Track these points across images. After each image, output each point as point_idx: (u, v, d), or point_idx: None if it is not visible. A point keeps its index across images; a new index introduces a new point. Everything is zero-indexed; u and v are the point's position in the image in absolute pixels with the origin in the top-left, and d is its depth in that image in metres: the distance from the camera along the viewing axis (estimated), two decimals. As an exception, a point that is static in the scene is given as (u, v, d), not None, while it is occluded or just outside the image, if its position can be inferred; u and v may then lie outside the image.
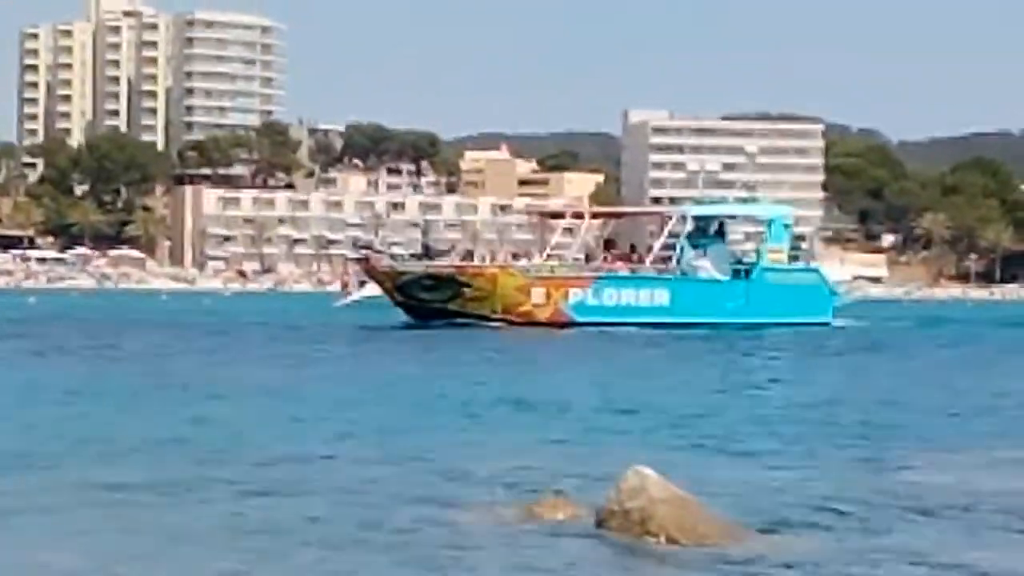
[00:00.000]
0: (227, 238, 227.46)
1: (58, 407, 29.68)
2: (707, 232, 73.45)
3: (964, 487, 17.13)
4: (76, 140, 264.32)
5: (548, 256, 74.81)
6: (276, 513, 14.42)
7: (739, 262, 74.50)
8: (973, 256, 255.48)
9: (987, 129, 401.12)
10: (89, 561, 11.31)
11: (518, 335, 61.49)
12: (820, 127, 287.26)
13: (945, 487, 17.14)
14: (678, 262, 72.35)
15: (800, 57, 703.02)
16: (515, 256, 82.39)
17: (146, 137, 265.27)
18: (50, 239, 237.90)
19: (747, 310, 69.04)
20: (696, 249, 71.78)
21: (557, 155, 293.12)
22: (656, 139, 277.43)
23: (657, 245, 77.58)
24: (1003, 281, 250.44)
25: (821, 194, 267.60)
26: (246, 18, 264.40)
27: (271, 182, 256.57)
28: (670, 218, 79.88)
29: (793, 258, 75.56)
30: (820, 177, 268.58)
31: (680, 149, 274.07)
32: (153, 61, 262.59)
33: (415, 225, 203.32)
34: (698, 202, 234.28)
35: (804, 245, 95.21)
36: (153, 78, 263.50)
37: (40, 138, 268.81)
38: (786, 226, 75.56)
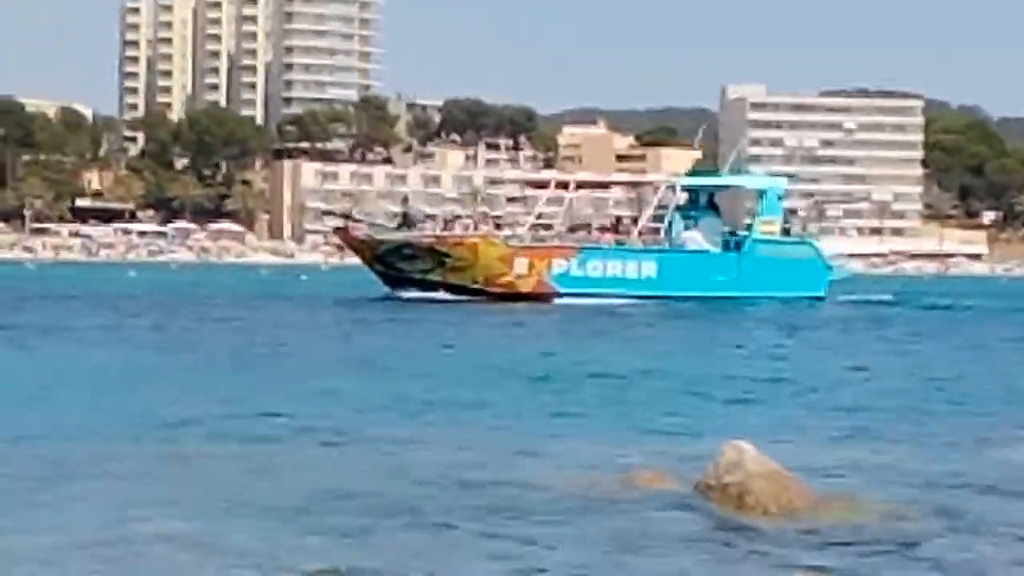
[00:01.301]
0: (325, 212, 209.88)
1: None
2: (698, 204, 72.88)
3: None
4: (176, 114, 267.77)
5: (533, 226, 74.88)
6: (378, 483, 14.35)
7: (731, 234, 73.32)
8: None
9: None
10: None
11: (509, 308, 60.60)
12: (920, 103, 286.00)
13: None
14: (667, 234, 71.24)
15: (900, 32, 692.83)
16: (498, 226, 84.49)
17: (245, 111, 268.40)
18: (150, 212, 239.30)
19: (738, 283, 68.15)
20: (687, 221, 71.05)
21: (654, 131, 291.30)
22: (754, 115, 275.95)
23: (645, 216, 74.43)
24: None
25: (920, 171, 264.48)
26: None
27: (369, 156, 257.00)
28: (659, 189, 78.30)
29: (786, 231, 74.13)
30: (919, 154, 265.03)
31: (778, 125, 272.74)
32: (252, 36, 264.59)
33: (513, 199, 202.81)
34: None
35: (801, 215, 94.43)
36: (252, 52, 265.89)
37: (141, 112, 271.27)
38: (779, 198, 74.67)
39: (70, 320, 52.86)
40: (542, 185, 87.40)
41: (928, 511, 13.08)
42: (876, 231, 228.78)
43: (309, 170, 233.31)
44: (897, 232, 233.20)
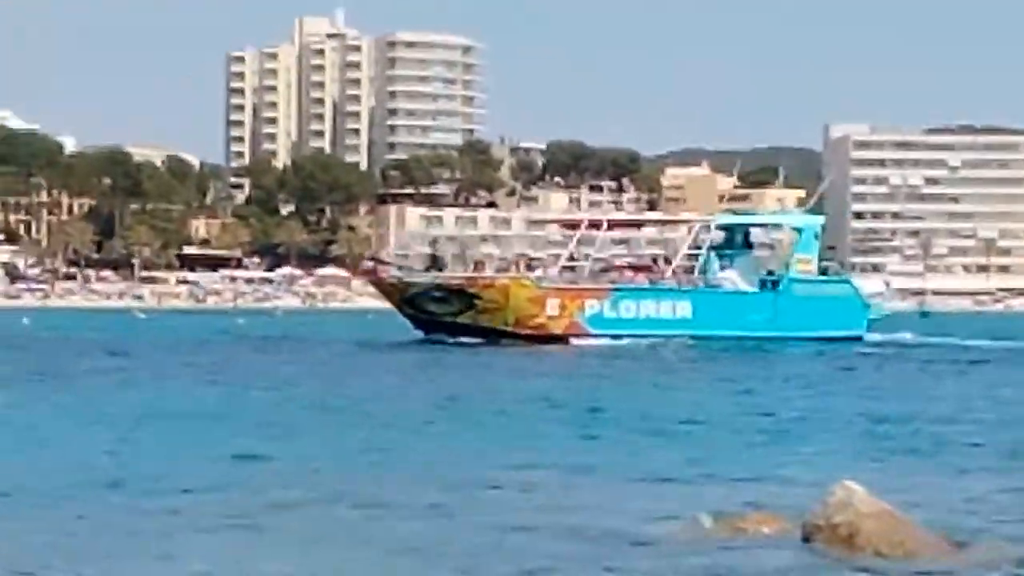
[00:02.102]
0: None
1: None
2: (733, 242, 72.18)
3: None
4: (282, 161, 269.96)
5: (564, 267, 74.48)
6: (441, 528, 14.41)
7: (768, 273, 71.81)
8: None
9: None
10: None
11: (559, 353, 60.20)
12: None
13: None
14: (703, 272, 71.10)
15: (1005, 69, 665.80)
16: (529, 267, 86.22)
17: (350, 157, 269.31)
18: (256, 259, 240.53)
19: (774, 323, 67.22)
20: (722, 260, 70.93)
21: (758, 171, 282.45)
22: (857, 153, 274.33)
23: (679, 256, 73.62)
24: None
25: None
26: (447, 38, 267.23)
27: (473, 200, 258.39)
28: (694, 228, 77.80)
29: (823, 270, 74.19)
30: None
31: (882, 163, 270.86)
32: (356, 82, 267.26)
33: (619, 243, 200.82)
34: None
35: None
36: (356, 99, 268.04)
37: (246, 160, 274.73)
38: (816, 236, 73.28)
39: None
40: (574, 226, 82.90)
41: None
42: (983, 268, 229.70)
43: (414, 214, 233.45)
44: (1004, 269, 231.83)
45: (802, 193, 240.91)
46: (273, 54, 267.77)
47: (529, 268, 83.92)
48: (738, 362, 53.64)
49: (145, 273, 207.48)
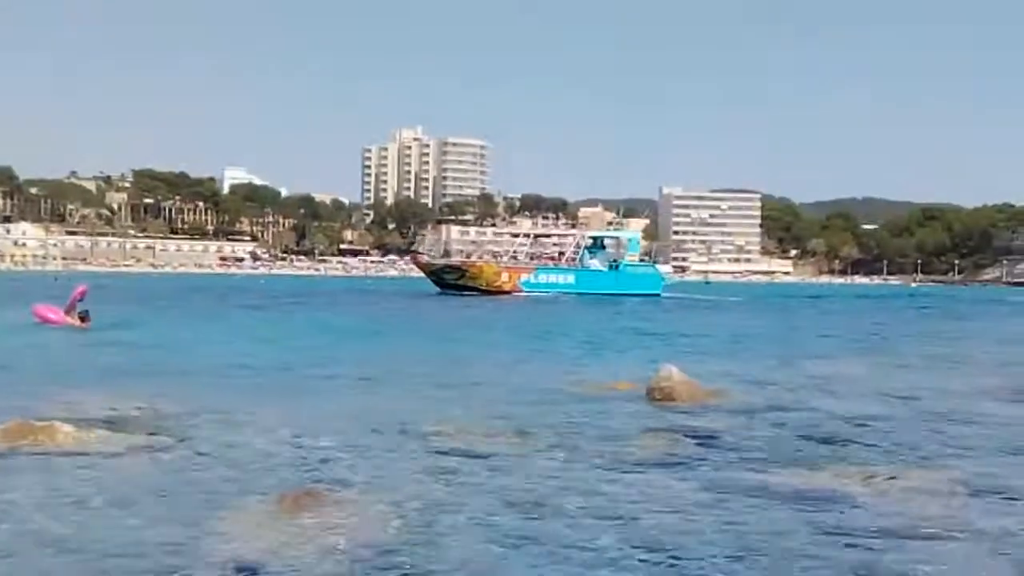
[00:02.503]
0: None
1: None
2: (595, 245, 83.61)
3: (836, 373, 20.69)
4: (389, 201, 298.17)
5: (511, 257, 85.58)
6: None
7: (613, 261, 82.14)
8: None
9: None
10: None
11: (504, 299, 67.95)
12: (759, 195, 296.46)
13: (828, 375, 20.64)
14: (580, 260, 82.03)
15: (766, 150, 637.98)
16: (494, 256, 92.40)
17: (423, 200, 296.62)
18: (377, 251, 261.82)
19: (615, 286, 77.52)
20: (590, 254, 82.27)
21: (627, 210, 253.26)
22: (676, 201, 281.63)
23: (569, 252, 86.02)
24: None
25: (759, 231, 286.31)
26: (471, 140, 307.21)
27: (484, 224, 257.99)
28: (579, 238, 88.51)
29: (642, 260, 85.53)
30: (758, 224, 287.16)
31: (686, 206, 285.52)
32: (427, 162, 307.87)
33: (539, 245, 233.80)
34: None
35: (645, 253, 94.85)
36: (427, 170, 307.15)
37: (372, 200, 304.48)
38: (636, 243, 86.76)
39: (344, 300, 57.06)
40: (516, 235, 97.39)
41: (760, 397, 16.47)
42: (735, 260, 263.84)
43: (454, 230, 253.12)
44: (747, 260, 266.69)
45: (647, 222, 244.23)
46: (385, 147, 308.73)
47: (494, 257, 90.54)
48: (597, 305, 59.20)
49: (320, 257, 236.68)
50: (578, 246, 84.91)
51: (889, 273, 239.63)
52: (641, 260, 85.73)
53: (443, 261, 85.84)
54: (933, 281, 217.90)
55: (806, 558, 7.26)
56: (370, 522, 7.90)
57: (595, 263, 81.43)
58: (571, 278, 79.09)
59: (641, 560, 7.21)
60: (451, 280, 77.55)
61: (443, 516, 8.28)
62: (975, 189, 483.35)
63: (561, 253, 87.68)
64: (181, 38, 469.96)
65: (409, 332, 35.80)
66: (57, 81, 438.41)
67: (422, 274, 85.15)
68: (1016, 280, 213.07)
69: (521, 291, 75.79)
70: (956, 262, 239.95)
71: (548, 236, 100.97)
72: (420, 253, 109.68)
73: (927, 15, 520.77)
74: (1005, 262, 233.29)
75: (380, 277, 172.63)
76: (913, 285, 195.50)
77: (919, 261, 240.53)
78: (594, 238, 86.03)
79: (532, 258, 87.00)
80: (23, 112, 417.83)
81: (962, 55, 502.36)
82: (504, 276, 77.54)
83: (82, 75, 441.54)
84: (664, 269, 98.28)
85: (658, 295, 78.20)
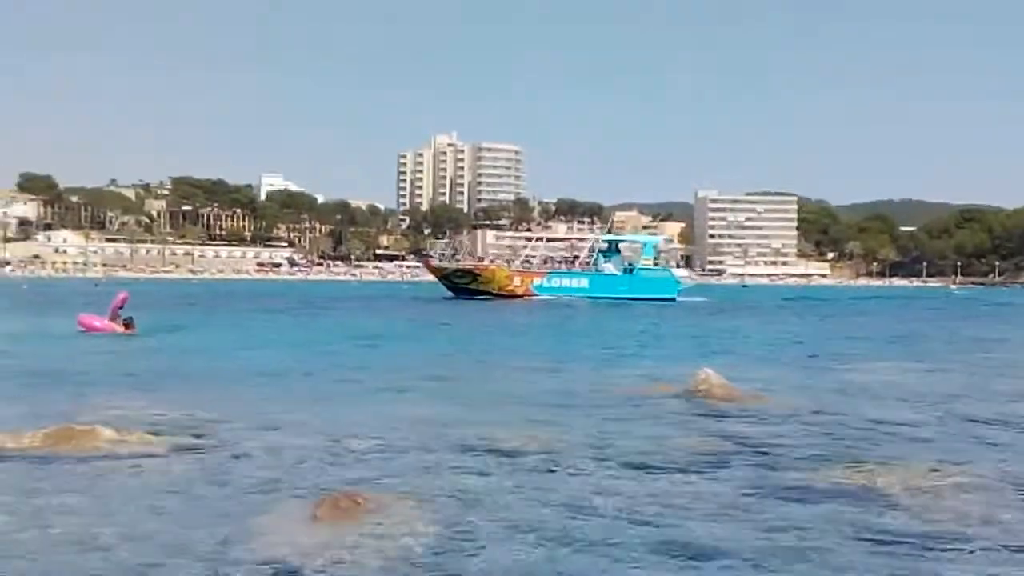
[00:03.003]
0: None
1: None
2: (610, 250, 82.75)
3: (879, 381, 20.56)
4: (424, 206, 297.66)
5: (523, 262, 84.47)
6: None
7: (628, 267, 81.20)
8: None
9: None
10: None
11: (516, 303, 66.76)
12: (795, 198, 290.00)
13: (870, 381, 20.48)
14: (594, 264, 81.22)
15: (801, 153, 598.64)
16: (507, 261, 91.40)
17: (459, 204, 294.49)
18: (412, 256, 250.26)
19: (629, 291, 76.71)
20: (604, 258, 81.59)
21: (664, 214, 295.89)
22: (711, 204, 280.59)
23: (583, 255, 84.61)
24: None
25: (795, 233, 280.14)
26: (506, 145, 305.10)
27: (519, 228, 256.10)
28: (592, 241, 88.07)
29: (656, 264, 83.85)
30: (794, 226, 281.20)
31: (723, 210, 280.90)
32: (462, 168, 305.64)
33: (556, 248, 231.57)
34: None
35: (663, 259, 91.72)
36: (462, 176, 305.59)
37: (408, 206, 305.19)
38: (653, 247, 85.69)
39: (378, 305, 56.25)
40: (530, 239, 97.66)
41: (802, 402, 16.42)
42: (772, 263, 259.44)
43: (490, 234, 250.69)
44: (784, 264, 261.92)
45: (683, 225, 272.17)
46: (420, 153, 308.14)
47: (507, 262, 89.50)
48: (610, 309, 58.39)
49: (356, 263, 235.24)
50: (592, 250, 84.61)
51: (928, 275, 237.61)
52: (655, 263, 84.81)
53: (454, 265, 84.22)
54: (973, 283, 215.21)
55: (842, 557, 7.32)
56: (406, 524, 7.95)
57: (609, 267, 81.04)
58: (584, 282, 78.76)
59: (676, 557, 7.34)
60: (463, 284, 77.24)
61: (479, 518, 8.31)
62: (1015, 189, 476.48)
63: (576, 257, 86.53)
64: (218, 47, 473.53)
65: (443, 337, 35.97)
66: (96, 90, 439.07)
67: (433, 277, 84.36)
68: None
69: (534, 295, 75.55)
70: (996, 264, 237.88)
71: (561, 239, 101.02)
72: (431, 256, 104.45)
73: (966, 13, 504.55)
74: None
75: (416, 282, 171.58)
76: (952, 287, 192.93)
77: (958, 263, 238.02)
78: (609, 242, 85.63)
79: (545, 262, 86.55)
80: (63, 120, 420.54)
81: (999, 53, 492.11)
82: (516, 280, 77.37)
83: (121, 84, 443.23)
84: (681, 273, 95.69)
85: (673, 299, 77.16)
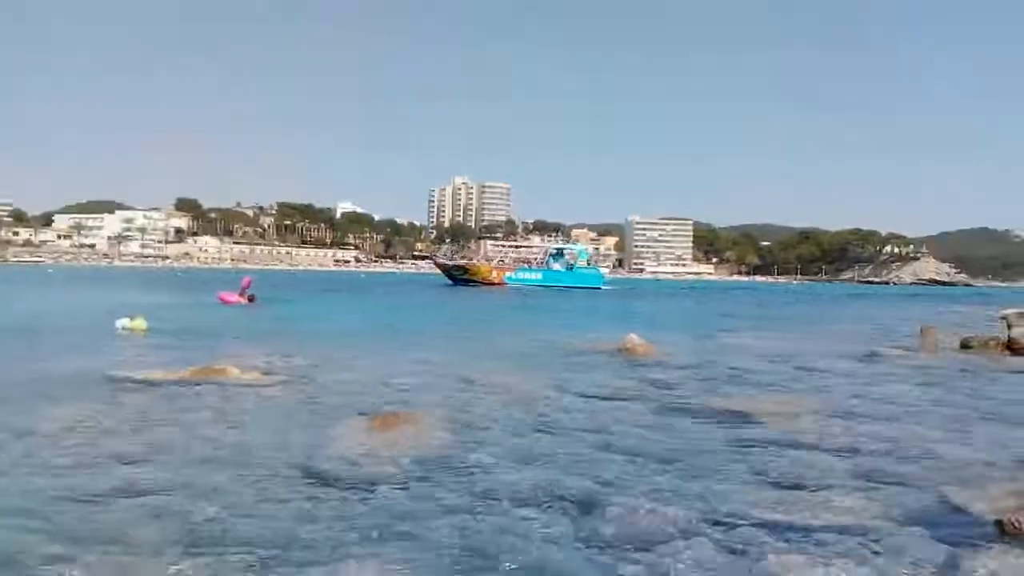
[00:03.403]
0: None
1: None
2: (558, 254, 79.81)
3: (744, 344, 19.88)
4: (447, 222, 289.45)
5: (499, 261, 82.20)
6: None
7: (569, 265, 78.08)
8: None
9: None
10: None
11: (494, 289, 63.44)
12: (691, 222, 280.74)
13: (737, 343, 19.93)
14: (546, 264, 77.79)
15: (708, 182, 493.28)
16: (488, 259, 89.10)
17: (469, 224, 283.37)
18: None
19: (570, 281, 73.73)
20: (553, 259, 78.30)
21: (604, 231, 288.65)
22: (636, 227, 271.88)
23: (539, 257, 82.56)
24: None
25: (691, 245, 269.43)
26: (500, 183, 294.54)
27: (509, 239, 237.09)
28: (546, 249, 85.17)
29: (589, 264, 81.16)
30: (690, 240, 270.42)
31: (644, 231, 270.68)
32: (471, 197, 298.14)
33: (519, 252, 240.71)
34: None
35: (593, 261, 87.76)
36: (471, 203, 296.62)
37: (435, 222, 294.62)
38: (585, 254, 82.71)
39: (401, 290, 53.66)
40: (505, 247, 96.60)
41: (693, 358, 15.82)
42: (676, 265, 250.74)
43: (489, 244, 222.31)
44: (683, 265, 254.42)
45: (617, 239, 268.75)
46: (444, 188, 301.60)
47: (487, 260, 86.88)
48: (557, 294, 55.68)
49: (400, 260, 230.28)
50: (546, 253, 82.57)
51: (779, 274, 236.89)
52: (587, 264, 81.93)
53: (452, 262, 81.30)
54: (808, 280, 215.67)
55: (720, 456, 7.38)
56: (432, 432, 7.97)
57: (557, 266, 78.08)
58: (539, 275, 75.71)
59: (609, 455, 7.37)
60: (459, 275, 74.45)
61: (479, 428, 8.39)
62: (837, 217, 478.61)
63: (536, 260, 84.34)
64: (318, 104, 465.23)
65: (449, 310, 35.21)
66: (228, 131, 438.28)
67: (438, 271, 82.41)
68: (864, 280, 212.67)
69: (505, 284, 72.68)
70: (823, 267, 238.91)
71: (525, 247, 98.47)
72: (437, 257, 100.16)
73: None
74: (856, 267, 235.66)
75: (437, 274, 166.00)
76: (794, 283, 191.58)
77: (799, 266, 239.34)
78: (557, 249, 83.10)
79: (515, 261, 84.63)
80: (206, 157, 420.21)
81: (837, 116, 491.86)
82: (494, 274, 74.32)
83: (245, 129, 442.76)
84: (603, 270, 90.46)
85: (599, 288, 74.79)
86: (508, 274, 73.69)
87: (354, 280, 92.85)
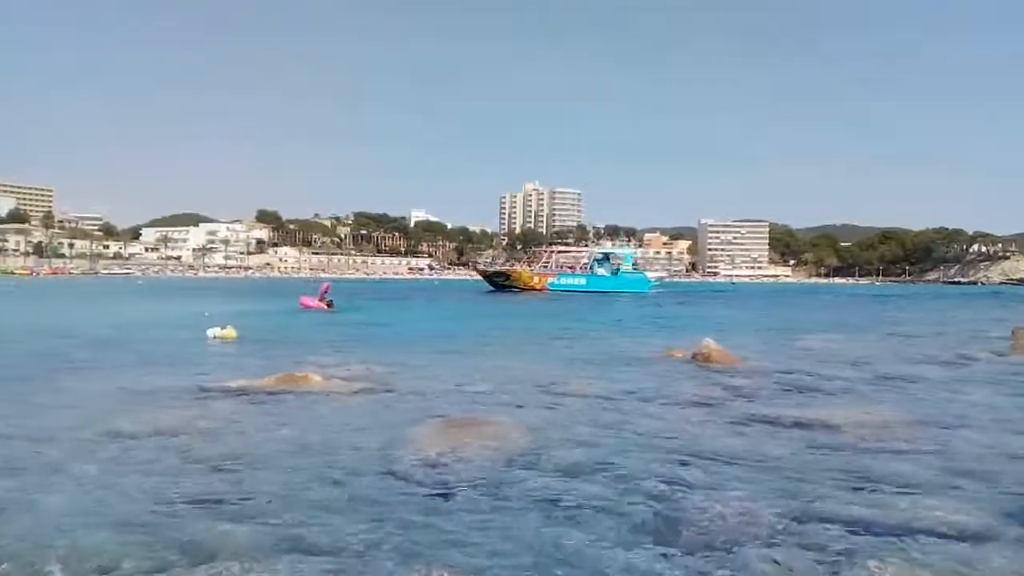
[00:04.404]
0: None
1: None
2: (604, 259, 78.31)
3: (825, 348, 19.05)
4: (519, 229, 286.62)
5: (541, 266, 79.17)
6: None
7: (616, 269, 76.68)
8: None
9: None
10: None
11: (536, 295, 62.16)
12: (767, 223, 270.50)
13: (815, 348, 19.10)
14: (591, 268, 76.33)
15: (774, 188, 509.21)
16: (529, 264, 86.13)
17: (540, 230, 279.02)
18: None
19: (615, 286, 72.19)
20: (598, 264, 76.85)
21: (676, 235, 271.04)
22: (709, 230, 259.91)
23: (582, 262, 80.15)
24: None
25: (767, 247, 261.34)
26: (570, 189, 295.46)
27: (579, 245, 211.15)
28: (591, 254, 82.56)
29: (635, 268, 79.55)
30: (766, 244, 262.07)
31: (718, 233, 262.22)
32: (543, 203, 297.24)
33: (567, 257, 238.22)
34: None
35: (639, 266, 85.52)
36: (542, 208, 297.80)
37: (507, 229, 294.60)
38: (631, 258, 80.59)
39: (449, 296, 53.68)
40: (551, 252, 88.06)
41: (772, 363, 15.38)
42: (751, 267, 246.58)
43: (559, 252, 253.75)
44: (759, 267, 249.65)
45: (691, 242, 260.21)
46: (515, 194, 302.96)
47: (529, 265, 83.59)
48: (603, 299, 54.00)
49: (472, 268, 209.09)
50: (590, 258, 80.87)
51: (860, 276, 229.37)
52: (635, 267, 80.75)
53: (493, 269, 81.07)
54: (890, 281, 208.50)
55: (802, 462, 7.24)
56: (510, 436, 7.97)
57: (601, 271, 76.87)
58: (583, 280, 74.51)
59: (688, 459, 7.30)
60: (500, 282, 73.53)
61: (555, 433, 8.33)
62: (921, 216, 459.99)
63: (578, 264, 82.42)
64: (392, 116, 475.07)
65: (519, 315, 34.62)
66: (306, 144, 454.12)
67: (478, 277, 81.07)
68: (950, 280, 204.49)
69: (547, 290, 71.31)
70: (906, 267, 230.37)
71: (569, 252, 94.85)
72: (479, 264, 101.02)
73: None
74: (941, 267, 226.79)
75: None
76: (876, 284, 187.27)
77: (880, 267, 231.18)
78: (603, 253, 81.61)
79: (558, 266, 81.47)
80: (287, 173, 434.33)
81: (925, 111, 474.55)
82: (536, 280, 72.88)
83: (322, 142, 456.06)
84: (651, 275, 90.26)
85: (645, 292, 73.64)
86: (550, 280, 72.40)
87: (428, 287, 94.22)
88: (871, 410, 9.71)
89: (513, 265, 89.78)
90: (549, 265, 78.96)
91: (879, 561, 4.67)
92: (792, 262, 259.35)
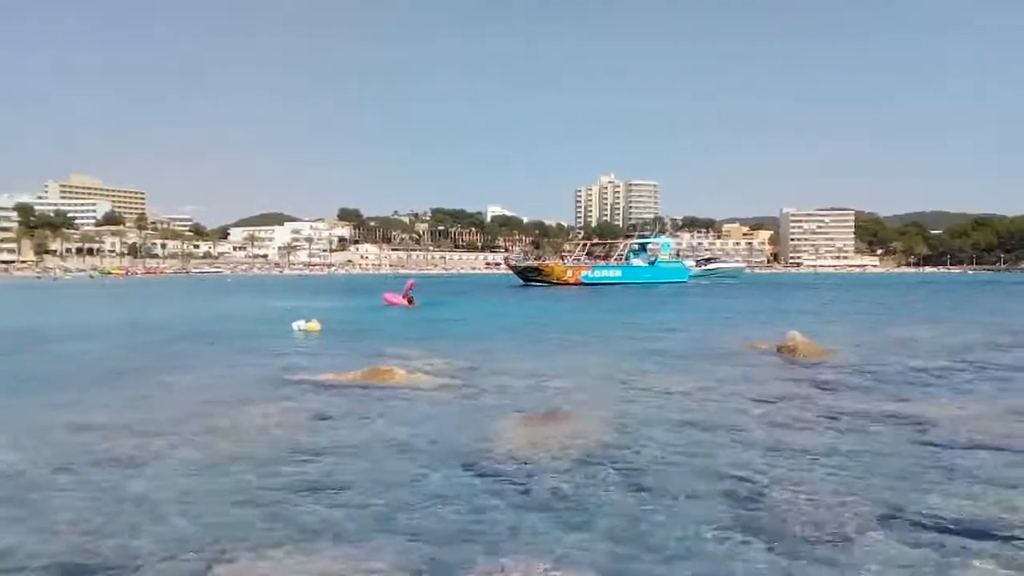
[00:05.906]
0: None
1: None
2: (640, 248, 76.85)
3: (917, 338, 18.07)
4: (594, 222, 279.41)
5: (573, 259, 78.95)
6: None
7: (652, 259, 75.55)
8: None
9: None
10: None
11: (570, 289, 60.20)
12: (852, 212, 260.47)
13: (906, 338, 18.09)
14: (627, 259, 75.19)
15: (855, 174, 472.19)
16: (561, 257, 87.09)
17: (617, 223, 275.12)
18: (584, 257, 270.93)
19: (652, 276, 71.42)
20: (634, 254, 75.72)
21: (756, 225, 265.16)
22: (792, 219, 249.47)
23: (617, 253, 78.36)
24: None
25: (853, 236, 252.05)
26: (646, 180, 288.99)
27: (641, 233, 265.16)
28: (627, 244, 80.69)
29: (673, 258, 78.51)
30: (851, 232, 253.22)
31: (800, 222, 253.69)
32: (618, 195, 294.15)
33: (600, 249, 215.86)
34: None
35: (677, 255, 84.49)
36: (618, 201, 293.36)
37: (582, 223, 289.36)
38: (668, 246, 79.17)
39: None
40: (586, 244, 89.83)
41: (861, 357, 14.97)
42: (836, 258, 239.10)
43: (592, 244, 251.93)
44: (845, 257, 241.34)
45: (772, 232, 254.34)
46: (590, 188, 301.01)
47: (562, 258, 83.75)
48: (640, 291, 52.25)
49: (504, 263, 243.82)
50: (626, 248, 79.12)
51: (951, 265, 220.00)
52: (673, 257, 79.31)
53: (524, 263, 78.21)
54: (984, 269, 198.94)
55: (898, 458, 7.06)
56: (591, 430, 7.95)
57: (638, 261, 75.56)
58: (618, 272, 73.09)
59: (785, 452, 7.22)
60: (531, 276, 71.96)
61: (637, 427, 8.27)
62: (1016, 202, 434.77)
63: (616, 255, 79.99)
64: (469, 112, 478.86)
65: (584, 309, 33.93)
66: (385, 143, 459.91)
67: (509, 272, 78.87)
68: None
69: (581, 282, 69.96)
70: (1002, 255, 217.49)
71: (604, 244, 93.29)
72: (509, 258, 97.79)
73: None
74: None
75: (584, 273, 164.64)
76: (968, 273, 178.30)
77: (973, 256, 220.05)
78: (640, 243, 79.93)
79: (594, 259, 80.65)
80: (367, 171, 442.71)
81: (1007, 93, 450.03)
82: (569, 273, 71.31)
83: (399, 140, 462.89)
84: (689, 264, 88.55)
85: (685, 282, 72.51)
86: (584, 272, 70.82)
87: (504, 281, 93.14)
88: (966, 403, 9.41)
89: (542, 259, 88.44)
90: (582, 258, 77.39)
91: (981, 560, 4.59)
92: (879, 251, 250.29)
